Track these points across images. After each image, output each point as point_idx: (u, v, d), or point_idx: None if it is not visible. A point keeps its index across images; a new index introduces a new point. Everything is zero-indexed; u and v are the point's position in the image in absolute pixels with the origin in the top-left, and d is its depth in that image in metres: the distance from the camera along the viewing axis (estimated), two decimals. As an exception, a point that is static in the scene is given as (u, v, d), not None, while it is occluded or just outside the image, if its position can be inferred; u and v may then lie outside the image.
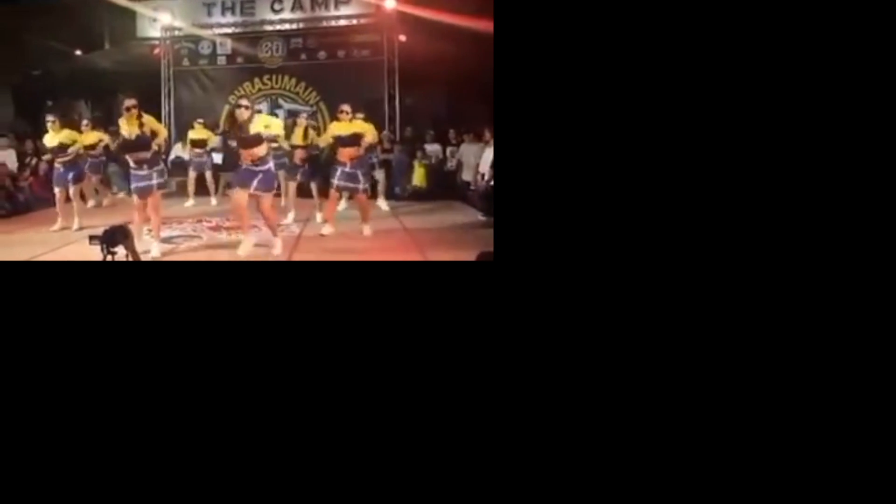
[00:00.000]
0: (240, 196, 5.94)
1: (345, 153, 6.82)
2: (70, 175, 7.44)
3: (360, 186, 6.87)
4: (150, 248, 5.94)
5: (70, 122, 8.16)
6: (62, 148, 7.46)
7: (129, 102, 5.96)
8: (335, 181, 6.88)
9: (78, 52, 12.08)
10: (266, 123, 5.92)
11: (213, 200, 9.52)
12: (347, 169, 6.81)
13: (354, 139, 6.81)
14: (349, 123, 6.88)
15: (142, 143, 5.97)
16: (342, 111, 6.91)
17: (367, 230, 6.89)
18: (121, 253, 3.33)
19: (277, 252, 5.92)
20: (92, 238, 3.33)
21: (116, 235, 3.32)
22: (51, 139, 7.53)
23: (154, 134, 6.01)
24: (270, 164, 5.92)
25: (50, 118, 7.67)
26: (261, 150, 5.78)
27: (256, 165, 5.77)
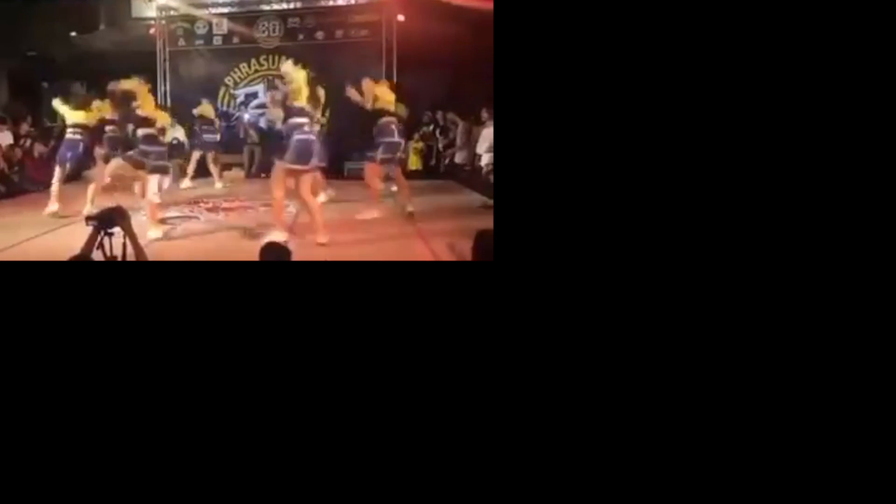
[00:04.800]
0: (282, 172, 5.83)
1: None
2: (69, 154, 7.34)
3: (398, 156, 6.79)
4: (148, 231, 5.90)
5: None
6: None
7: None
8: (377, 155, 6.69)
9: (73, 34, 11.97)
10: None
11: (218, 184, 9.49)
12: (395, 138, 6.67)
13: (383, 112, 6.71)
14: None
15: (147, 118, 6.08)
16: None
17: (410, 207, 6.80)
18: (118, 234, 3.31)
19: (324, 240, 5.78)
20: (89, 219, 3.29)
21: (113, 216, 3.28)
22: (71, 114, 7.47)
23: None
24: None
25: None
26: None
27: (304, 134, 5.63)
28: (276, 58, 11.28)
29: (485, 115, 9.44)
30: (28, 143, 9.96)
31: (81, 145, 7.42)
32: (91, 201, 6.88)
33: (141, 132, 6.13)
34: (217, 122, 10.02)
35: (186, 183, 9.51)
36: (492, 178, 8.27)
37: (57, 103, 7.68)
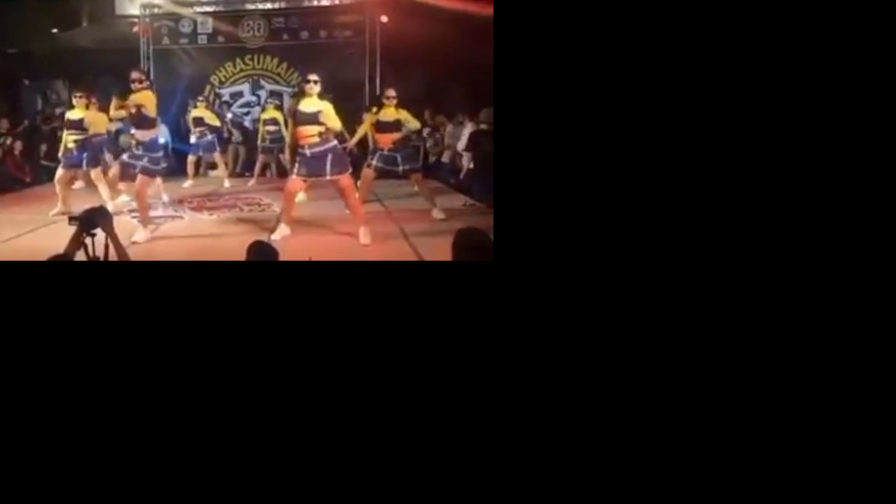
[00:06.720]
0: (295, 184, 5.91)
1: (385, 139, 6.74)
2: (84, 156, 7.24)
3: (400, 168, 6.78)
4: (135, 233, 5.86)
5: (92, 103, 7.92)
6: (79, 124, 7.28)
7: (138, 76, 5.98)
8: (373, 161, 6.76)
9: (55, 30, 11.85)
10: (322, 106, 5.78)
11: (227, 183, 9.40)
12: (386, 153, 6.74)
13: (397, 125, 6.75)
14: (395, 110, 6.77)
15: (150, 122, 6.00)
16: (388, 97, 6.80)
17: (437, 213, 6.80)
18: (100, 235, 3.30)
19: (367, 241, 5.77)
20: (71, 219, 3.29)
21: (95, 217, 3.28)
22: (77, 114, 7.36)
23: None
24: (334, 142, 5.83)
25: (77, 94, 7.60)
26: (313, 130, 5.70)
27: (318, 146, 5.69)
28: (261, 57, 11.30)
29: (460, 115, 9.49)
30: (8, 140, 9.86)
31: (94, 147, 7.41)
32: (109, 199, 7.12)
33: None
34: (223, 122, 10.04)
35: (189, 182, 9.47)
36: (471, 177, 8.36)
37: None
